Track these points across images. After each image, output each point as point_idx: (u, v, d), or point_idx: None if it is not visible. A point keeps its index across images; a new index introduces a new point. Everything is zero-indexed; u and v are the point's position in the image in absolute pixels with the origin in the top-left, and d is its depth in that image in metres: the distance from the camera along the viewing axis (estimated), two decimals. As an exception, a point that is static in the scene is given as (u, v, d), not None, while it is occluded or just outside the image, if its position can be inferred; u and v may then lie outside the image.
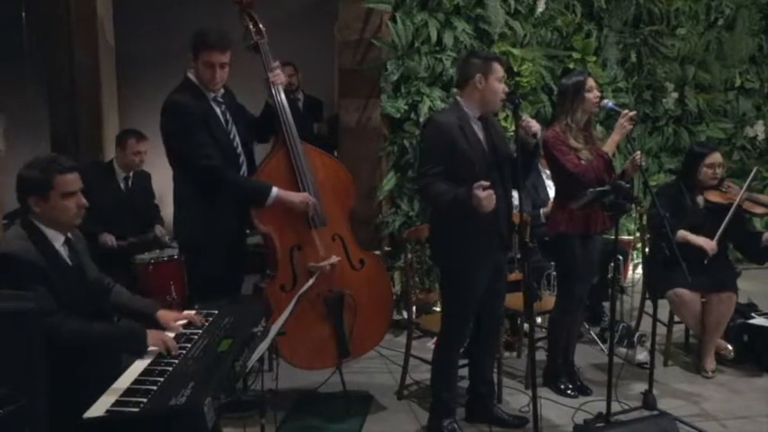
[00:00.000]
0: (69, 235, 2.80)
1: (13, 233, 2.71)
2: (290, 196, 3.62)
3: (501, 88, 3.37)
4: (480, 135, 3.39)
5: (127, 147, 4.89)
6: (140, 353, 2.61)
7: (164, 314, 2.91)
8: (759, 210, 4.43)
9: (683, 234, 4.25)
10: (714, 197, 4.34)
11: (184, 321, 2.88)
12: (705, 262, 4.21)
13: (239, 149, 3.68)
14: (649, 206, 4.42)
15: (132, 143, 4.89)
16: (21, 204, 2.73)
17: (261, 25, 3.76)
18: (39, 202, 2.67)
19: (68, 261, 2.76)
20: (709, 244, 4.23)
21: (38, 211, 2.68)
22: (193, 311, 2.99)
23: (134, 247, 4.77)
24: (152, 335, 2.66)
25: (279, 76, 3.73)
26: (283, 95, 3.73)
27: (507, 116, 5.26)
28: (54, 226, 2.72)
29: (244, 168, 3.70)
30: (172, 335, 2.77)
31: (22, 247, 2.60)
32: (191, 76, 3.61)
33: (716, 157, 4.39)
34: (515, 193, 3.55)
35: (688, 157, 4.55)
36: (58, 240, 2.73)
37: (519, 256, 3.71)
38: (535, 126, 3.35)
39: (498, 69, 3.37)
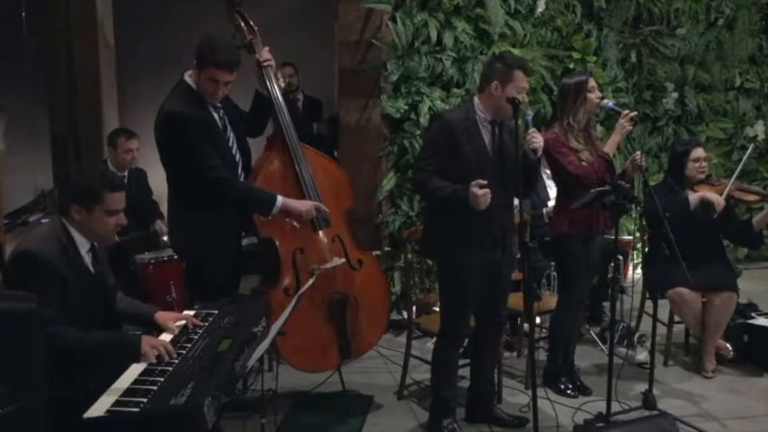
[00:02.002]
0: (95, 243, 2.80)
1: (43, 231, 2.73)
2: (296, 205, 3.57)
3: (518, 99, 3.30)
4: (487, 138, 3.38)
5: (118, 146, 4.90)
6: (135, 360, 2.58)
7: (162, 315, 2.91)
8: (750, 197, 4.47)
9: (694, 196, 4.24)
10: (705, 190, 4.36)
11: (183, 323, 2.88)
12: (715, 216, 4.22)
13: (238, 156, 3.63)
14: (644, 206, 4.42)
15: (123, 142, 4.89)
16: (61, 205, 2.75)
17: (252, 23, 3.70)
18: (81, 210, 2.68)
19: (92, 269, 2.77)
20: (717, 198, 4.22)
21: (77, 219, 2.69)
22: (193, 312, 2.99)
23: (135, 242, 4.75)
24: (146, 342, 2.62)
25: (270, 59, 3.68)
26: (275, 80, 3.69)
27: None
28: (86, 234, 2.73)
29: (241, 174, 3.65)
30: (169, 337, 2.76)
31: (46, 248, 2.61)
32: (189, 80, 3.48)
33: (699, 151, 4.42)
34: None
35: (673, 156, 4.59)
36: (84, 247, 2.74)
37: (518, 255, 3.71)
38: (537, 143, 3.34)
39: (519, 78, 3.30)
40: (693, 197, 4.25)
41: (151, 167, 5.17)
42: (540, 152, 3.39)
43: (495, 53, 5.26)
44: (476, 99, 3.43)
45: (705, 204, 4.23)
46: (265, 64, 3.68)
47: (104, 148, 5.91)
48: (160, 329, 2.86)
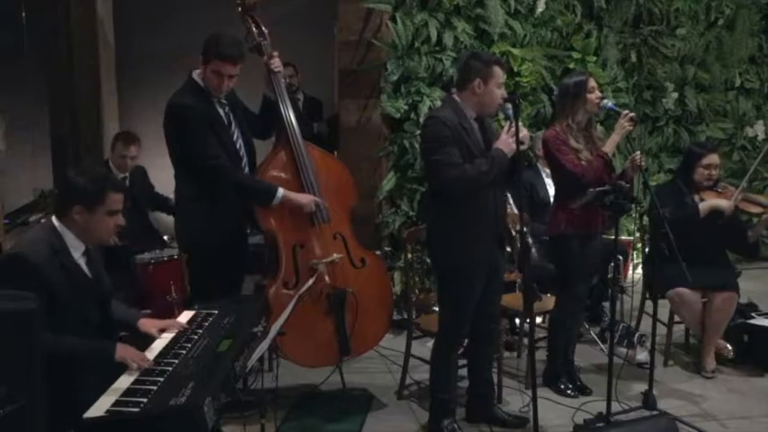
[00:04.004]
0: (89, 245, 2.76)
1: (33, 235, 2.70)
2: (296, 197, 3.63)
3: (500, 93, 3.33)
4: (478, 134, 3.39)
5: (114, 149, 4.92)
6: (109, 367, 2.55)
7: (144, 323, 2.88)
8: (755, 209, 4.43)
9: (704, 205, 4.26)
10: (711, 197, 4.34)
11: (167, 333, 2.83)
12: (720, 222, 4.24)
13: (242, 151, 3.69)
14: (649, 208, 4.41)
15: (120, 147, 4.90)
16: (60, 207, 2.70)
17: (263, 27, 3.77)
18: (83, 212, 2.63)
19: (88, 273, 2.73)
20: (727, 205, 4.24)
21: (77, 220, 2.64)
22: (187, 314, 2.98)
23: (134, 238, 4.74)
24: (120, 350, 2.58)
25: (278, 65, 3.74)
26: (284, 86, 3.76)
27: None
28: (83, 237, 2.68)
29: (246, 170, 3.71)
30: (162, 344, 2.72)
31: (36, 252, 2.56)
32: (196, 77, 3.60)
33: (713, 158, 4.38)
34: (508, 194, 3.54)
35: (686, 156, 4.57)
36: (77, 251, 2.70)
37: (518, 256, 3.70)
38: (522, 135, 3.28)
39: (499, 74, 3.32)
40: (703, 206, 4.25)
41: (151, 166, 5.18)
42: (527, 143, 3.38)
43: (494, 53, 5.27)
44: (457, 98, 3.39)
45: (714, 211, 4.24)
46: (275, 70, 3.74)
47: (104, 147, 5.93)
48: (143, 337, 2.82)
